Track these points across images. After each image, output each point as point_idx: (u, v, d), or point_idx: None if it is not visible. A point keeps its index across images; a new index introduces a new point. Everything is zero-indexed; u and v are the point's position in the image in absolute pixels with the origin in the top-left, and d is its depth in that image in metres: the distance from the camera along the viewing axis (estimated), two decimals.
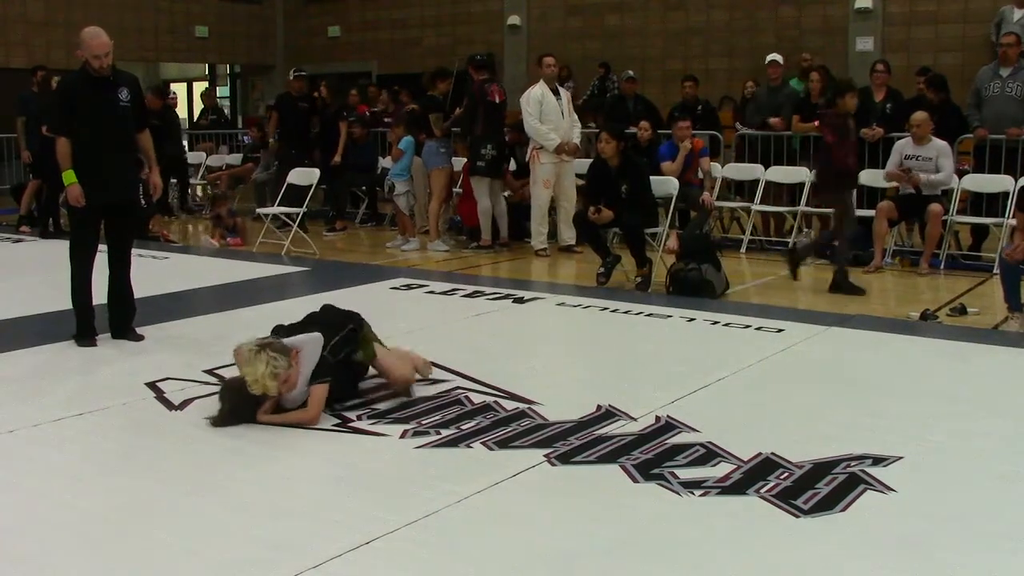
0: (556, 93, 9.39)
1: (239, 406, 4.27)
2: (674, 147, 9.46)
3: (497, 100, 9.52)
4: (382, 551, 3.11)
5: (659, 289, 7.54)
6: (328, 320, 4.69)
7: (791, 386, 4.94)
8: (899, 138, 8.59)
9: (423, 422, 4.32)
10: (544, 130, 9.23)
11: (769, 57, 10.38)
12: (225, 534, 3.23)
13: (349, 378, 4.60)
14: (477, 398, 4.66)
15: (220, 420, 4.27)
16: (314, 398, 4.28)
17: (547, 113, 9.25)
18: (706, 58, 15.18)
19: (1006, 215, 8.21)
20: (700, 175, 9.55)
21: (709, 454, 3.91)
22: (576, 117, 9.72)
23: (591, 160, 8.61)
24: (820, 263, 8.84)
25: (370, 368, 4.78)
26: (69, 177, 5.57)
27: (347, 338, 4.56)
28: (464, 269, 8.75)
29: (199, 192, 14.43)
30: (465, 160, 9.87)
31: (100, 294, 5.84)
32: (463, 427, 4.26)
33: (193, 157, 14.12)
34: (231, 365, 4.65)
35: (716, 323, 6.27)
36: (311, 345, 4.35)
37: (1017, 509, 3.43)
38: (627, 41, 15.85)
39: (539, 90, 9.33)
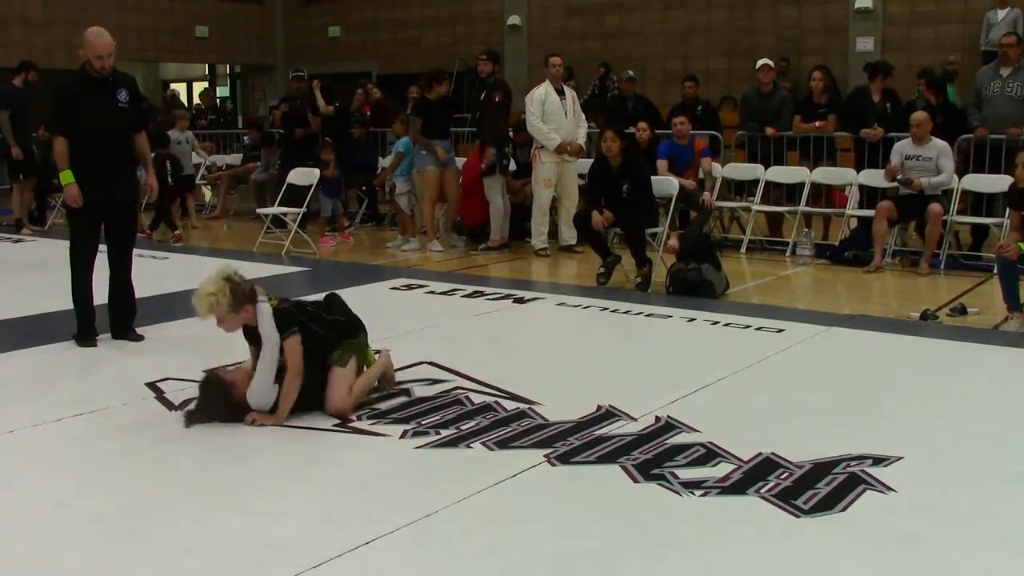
0: (561, 93, 9.39)
1: (212, 403, 4.29)
2: (674, 145, 9.43)
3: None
4: (382, 551, 3.11)
5: (659, 289, 7.53)
6: (337, 315, 4.68)
7: (791, 386, 4.93)
8: (899, 138, 8.59)
9: (423, 422, 4.32)
10: (545, 129, 9.24)
11: (760, 62, 10.17)
12: (225, 534, 3.23)
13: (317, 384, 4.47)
14: (477, 398, 4.66)
15: (194, 416, 4.29)
16: (290, 353, 4.27)
17: (549, 113, 9.26)
18: (706, 58, 15.20)
19: (1005, 215, 8.20)
20: (701, 175, 9.53)
21: (709, 454, 3.91)
22: (583, 117, 9.71)
23: (592, 160, 8.61)
24: (819, 263, 8.86)
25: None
26: (67, 177, 5.57)
27: (341, 329, 4.55)
28: (464, 269, 8.75)
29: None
30: (465, 160, 9.83)
31: (100, 294, 5.84)
32: (463, 427, 4.25)
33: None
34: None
35: (716, 323, 6.27)
36: (269, 331, 4.28)
37: (1017, 509, 3.42)
38: (627, 41, 15.85)
39: (543, 90, 9.34)
